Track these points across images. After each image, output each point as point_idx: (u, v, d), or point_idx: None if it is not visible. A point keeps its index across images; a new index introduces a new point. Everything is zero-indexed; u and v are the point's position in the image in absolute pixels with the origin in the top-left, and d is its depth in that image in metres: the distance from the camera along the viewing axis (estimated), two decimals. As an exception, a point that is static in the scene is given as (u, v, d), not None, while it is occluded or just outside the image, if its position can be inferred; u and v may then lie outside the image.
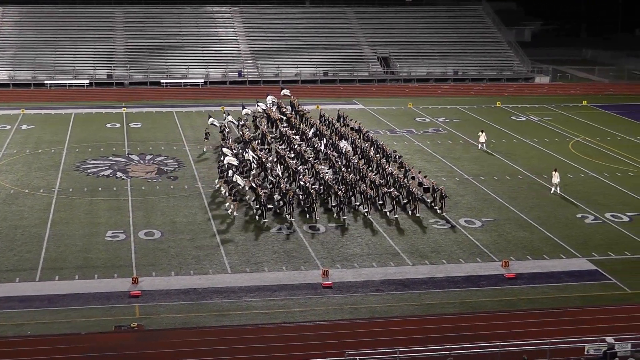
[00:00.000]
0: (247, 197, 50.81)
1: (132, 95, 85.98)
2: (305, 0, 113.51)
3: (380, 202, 49.76)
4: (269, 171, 52.95)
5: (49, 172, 56.40)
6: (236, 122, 66.26)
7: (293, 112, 68.27)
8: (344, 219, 47.98)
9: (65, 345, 32.77)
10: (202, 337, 33.77)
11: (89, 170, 57.12)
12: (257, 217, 47.94)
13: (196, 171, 57.26)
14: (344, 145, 58.42)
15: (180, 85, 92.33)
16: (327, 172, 52.96)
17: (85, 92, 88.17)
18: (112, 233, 45.26)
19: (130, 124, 71.93)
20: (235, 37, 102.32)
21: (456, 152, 63.28)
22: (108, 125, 71.61)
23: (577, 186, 55.39)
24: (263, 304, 37.13)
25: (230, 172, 51.53)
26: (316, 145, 59.03)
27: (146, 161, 59.86)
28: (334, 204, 49.20)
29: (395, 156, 57.33)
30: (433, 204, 50.49)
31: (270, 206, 48.90)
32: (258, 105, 69.85)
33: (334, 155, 56.14)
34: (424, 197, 51.05)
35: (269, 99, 69.99)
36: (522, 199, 52.40)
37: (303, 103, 73.02)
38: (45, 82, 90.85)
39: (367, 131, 64.14)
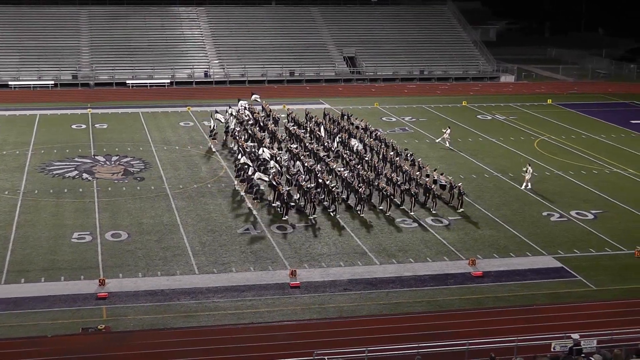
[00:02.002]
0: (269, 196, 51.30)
1: (97, 96, 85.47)
2: (271, 0, 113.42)
3: (397, 200, 50.48)
4: (284, 169, 53.43)
5: (14, 174, 55.93)
6: (239, 119, 66.61)
7: (265, 116, 68.11)
8: (362, 216, 48.50)
9: (32, 348, 32.51)
10: (170, 339, 33.65)
11: (54, 172, 56.73)
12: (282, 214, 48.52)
13: (163, 172, 57.04)
14: (354, 143, 58.88)
15: (146, 86, 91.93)
16: (344, 171, 53.26)
17: (50, 93, 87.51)
18: (79, 235, 44.97)
19: (96, 125, 71.49)
20: (201, 37, 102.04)
21: (422, 151, 63.44)
22: (73, 126, 71.13)
23: (543, 184, 55.80)
24: (231, 304, 37.08)
25: (251, 170, 51.75)
26: (326, 144, 59.59)
27: (112, 162, 59.54)
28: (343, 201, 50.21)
29: (407, 154, 57.67)
30: (451, 201, 51.06)
31: (293, 204, 49.21)
32: (231, 108, 69.82)
33: (346, 154, 56.72)
34: (441, 194, 51.45)
35: (240, 103, 69.94)
36: (488, 197, 52.72)
37: (270, 103, 72.94)
38: (9, 83, 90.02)
39: (376, 129, 64.58)
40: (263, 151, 55.40)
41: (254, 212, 49.07)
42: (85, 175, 55.98)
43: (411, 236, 45.87)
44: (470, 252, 43.52)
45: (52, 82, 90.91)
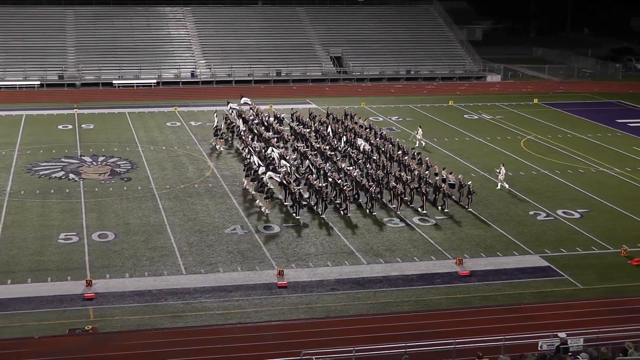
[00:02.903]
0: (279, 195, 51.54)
1: (84, 97, 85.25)
2: (257, 0, 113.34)
3: (408, 199, 50.89)
4: (294, 169, 53.72)
5: (0, 175, 55.74)
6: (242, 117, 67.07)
7: (256, 118, 68.20)
8: (374, 214, 48.76)
9: (18, 349, 32.41)
10: (157, 339, 33.60)
11: (40, 172, 56.56)
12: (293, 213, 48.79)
13: (149, 172, 56.96)
14: (361, 142, 59.13)
15: (133, 86, 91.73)
16: (354, 169, 53.44)
17: (36, 94, 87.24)
18: (65, 235, 44.86)
19: (82, 125, 71.31)
20: (188, 38, 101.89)
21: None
22: (60, 126, 70.94)
23: (529, 183, 55.96)
24: (218, 304, 37.06)
25: (262, 169, 51.93)
26: (333, 144, 59.89)
27: (99, 163, 59.41)
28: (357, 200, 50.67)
29: (414, 153, 57.80)
30: (460, 200, 51.33)
31: (305, 203, 49.45)
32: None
33: (354, 153, 56.91)
34: (451, 193, 51.65)
35: (230, 105, 70.09)
36: (474, 196, 52.78)
37: (257, 103, 72.92)
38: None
39: (381, 129, 64.84)
40: (272, 151, 55.69)
41: (267, 211, 49.05)
42: (71, 176, 55.84)
43: (398, 236, 45.93)
44: (457, 252, 43.62)
45: (38, 83, 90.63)
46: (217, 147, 63.53)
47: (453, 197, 51.50)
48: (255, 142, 59.48)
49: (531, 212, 50.24)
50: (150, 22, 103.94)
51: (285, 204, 50.17)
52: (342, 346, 30.99)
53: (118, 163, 59.33)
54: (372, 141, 60.55)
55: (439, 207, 50.34)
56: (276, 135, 62.24)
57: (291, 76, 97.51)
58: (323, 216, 48.46)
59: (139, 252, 42.77)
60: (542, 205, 51.44)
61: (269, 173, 51.33)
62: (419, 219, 48.50)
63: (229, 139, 64.77)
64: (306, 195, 50.35)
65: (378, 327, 34.88)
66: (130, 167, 58.29)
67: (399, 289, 39.22)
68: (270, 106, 75.57)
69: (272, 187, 50.88)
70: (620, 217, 49.91)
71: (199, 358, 32.08)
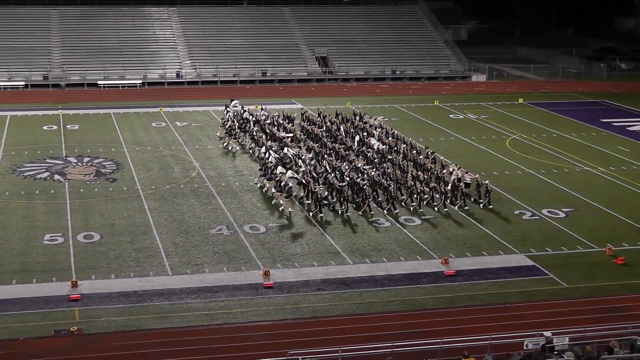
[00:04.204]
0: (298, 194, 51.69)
1: (69, 97, 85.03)
2: (242, 0, 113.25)
3: (427, 197, 51.13)
4: (311, 168, 53.86)
5: (-15, 176, 55.61)
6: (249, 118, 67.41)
7: (268, 118, 68.39)
8: (396, 213, 49.06)
9: (4, 351, 32.29)
10: (143, 340, 33.54)
11: (25, 173, 56.37)
12: (315, 212, 48.95)
13: (135, 173, 56.85)
14: (374, 142, 59.20)
15: (118, 87, 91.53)
16: (370, 169, 53.55)
17: (20, 94, 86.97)
18: (50, 236, 44.73)
19: (67, 126, 71.13)
20: (173, 38, 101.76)
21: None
22: (45, 127, 70.73)
23: (514, 183, 56.10)
24: (204, 305, 37.02)
25: (279, 168, 52.08)
26: (347, 143, 60.23)
27: (84, 163, 59.26)
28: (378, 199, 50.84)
29: (428, 152, 58.00)
30: (478, 199, 51.52)
31: (326, 202, 49.65)
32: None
33: (369, 152, 57.28)
34: (468, 192, 51.83)
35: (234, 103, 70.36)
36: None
37: (243, 104, 72.92)
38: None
39: (392, 128, 65.14)
40: (288, 150, 55.88)
41: (288, 210, 49.12)
42: (56, 177, 55.68)
43: (384, 236, 45.98)
44: (443, 251, 43.69)
45: (23, 83, 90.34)
46: (230, 147, 63.47)
47: (470, 194, 51.73)
48: (269, 142, 59.68)
49: (516, 212, 50.36)
50: (135, 22, 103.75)
51: (305, 202, 50.29)
52: (329, 346, 30.98)
53: (103, 164, 59.19)
54: (384, 140, 60.76)
55: (458, 206, 50.65)
56: (289, 135, 62.38)
57: (277, 76, 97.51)
58: (347, 214, 48.84)
59: (124, 252, 42.68)
60: (527, 204, 51.57)
61: (289, 172, 51.53)
62: (404, 219, 48.56)
63: (250, 136, 64.36)
64: (325, 194, 50.39)
65: (364, 327, 34.91)
66: (115, 168, 58.16)
67: (385, 288, 39.26)
68: (256, 106, 75.42)
69: (291, 186, 51.13)
70: (605, 216, 50.09)
71: (185, 359, 32.01)
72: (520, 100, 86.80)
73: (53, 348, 32.62)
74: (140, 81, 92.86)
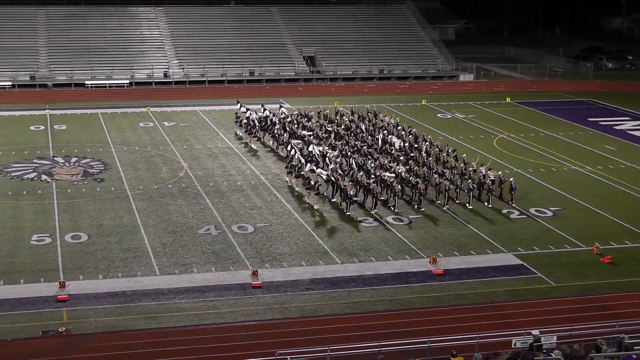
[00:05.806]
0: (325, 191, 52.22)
1: (56, 97, 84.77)
2: (230, 0, 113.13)
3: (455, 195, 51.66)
4: (337, 165, 54.11)
5: (-29, 176, 55.42)
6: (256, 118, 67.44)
7: (288, 117, 68.60)
8: (422, 210, 49.54)
9: (-9, 352, 32.25)
10: (131, 340, 33.49)
11: (12, 174, 56.20)
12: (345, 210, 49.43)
13: (122, 173, 56.74)
14: (396, 140, 59.52)
15: (105, 87, 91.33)
16: (397, 166, 53.83)
17: (7, 94, 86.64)
18: (38, 237, 44.61)
19: (54, 126, 70.94)
20: (160, 38, 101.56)
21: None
22: (32, 127, 70.52)
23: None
24: (192, 305, 36.99)
25: (308, 166, 52.59)
26: (369, 141, 60.51)
27: (71, 164, 59.11)
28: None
29: (448, 150, 58.21)
30: (502, 196, 52.00)
31: (356, 199, 49.88)
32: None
33: (392, 149, 57.71)
34: (492, 189, 52.03)
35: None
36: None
37: (230, 104, 72.86)
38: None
39: (410, 127, 65.56)
40: (313, 148, 56.34)
41: (318, 206, 49.74)
42: (44, 177, 55.53)
43: (372, 235, 46.01)
44: (431, 250, 43.75)
45: (10, 83, 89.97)
46: (253, 145, 63.96)
47: (494, 191, 51.90)
48: (294, 140, 59.94)
49: (504, 211, 50.46)
50: (122, 22, 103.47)
51: (333, 200, 50.75)
52: (317, 346, 30.98)
53: (91, 164, 59.05)
54: (404, 138, 60.95)
55: (485, 203, 51.10)
56: (311, 133, 62.46)
57: (264, 76, 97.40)
58: (374, 211, 49.25)
59: (112, 253, 42.60)
60: (515, 203, 51.63)
61: (319, 170, 51.94)
62: (392, 218, 48.63)
63: (271, 135, 64.58)
64: (352, 191, 50.47)
65: (352, 326, 34.93)
66: (103, 168, 58.03)
67: (373, 288, 39.30)
68: (242, 105, 75.25)
69: (321, 183, 51.50)
70: (592, 215, 50.25)
71: (173, 359, 31.98)
72: (508, 100, 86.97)
73: (41, 349, 32.55)
74: (128, 81, 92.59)
